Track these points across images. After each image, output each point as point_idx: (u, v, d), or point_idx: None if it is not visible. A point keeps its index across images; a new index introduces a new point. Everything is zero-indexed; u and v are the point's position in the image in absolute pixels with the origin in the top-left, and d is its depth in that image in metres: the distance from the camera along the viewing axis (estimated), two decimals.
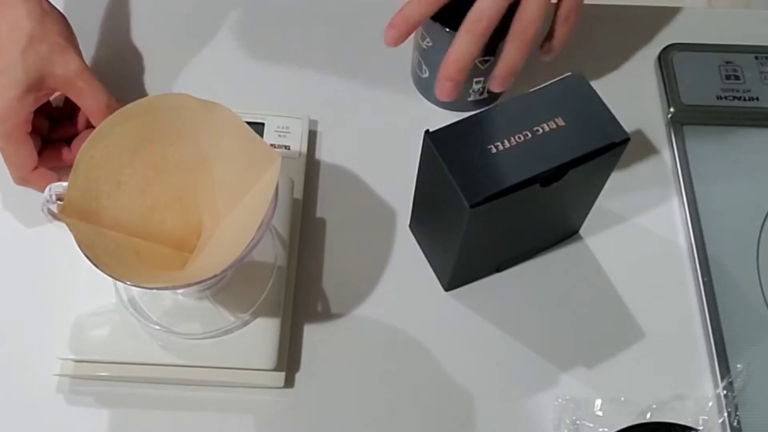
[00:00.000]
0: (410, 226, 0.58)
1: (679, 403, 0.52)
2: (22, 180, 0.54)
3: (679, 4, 0.70)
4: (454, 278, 0.55)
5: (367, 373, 0.53)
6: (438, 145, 0.46)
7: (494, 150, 0.45)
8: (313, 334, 0.54)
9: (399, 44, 0.53)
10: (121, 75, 0.63)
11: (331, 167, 0.60)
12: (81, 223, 0.43)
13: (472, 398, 0.52)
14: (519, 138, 0.45)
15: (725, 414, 0.51)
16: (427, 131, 0.46)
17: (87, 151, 0.44)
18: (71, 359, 0.50)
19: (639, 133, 0.63)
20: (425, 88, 0.62)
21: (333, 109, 0.63)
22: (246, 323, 0.51)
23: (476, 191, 0.44)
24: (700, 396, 0.52)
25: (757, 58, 0.64)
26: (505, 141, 0.45)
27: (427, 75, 0.60)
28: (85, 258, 0.41)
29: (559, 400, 0.52)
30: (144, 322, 0.50)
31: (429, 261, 0.56)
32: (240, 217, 0.45)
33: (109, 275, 0.42)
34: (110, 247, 0.44)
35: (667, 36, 0.67)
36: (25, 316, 0.53)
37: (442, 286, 0.56)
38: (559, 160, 0.45)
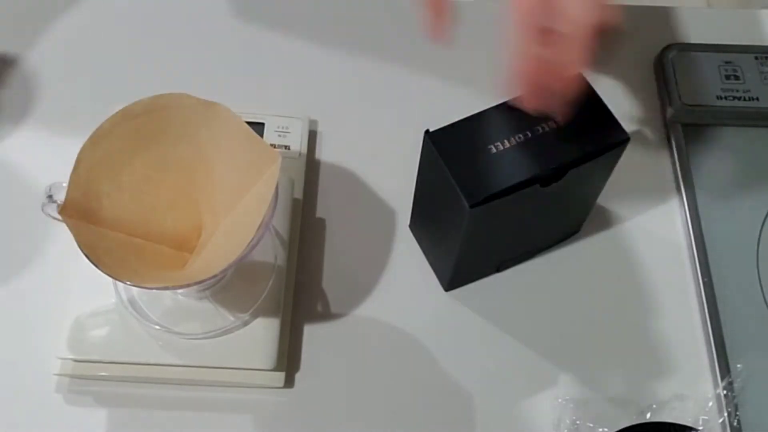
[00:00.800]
0: (410, 226, 0.58)
1: (679, 403, 0.52)
2: None
3: (679, 4, 0.70)
4: (454, 278, 0.55)
5: (367, 373, 0.53)
6: (438, 145, 0.46)
7: (494, 150, 0.45)
8: (313, 334, 0.54)
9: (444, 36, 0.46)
10: (121, 75, 0.63)
11: (331, 167, 0.60)
12: (81, 223, 0.43)
13: (472, 398, 0.52)
14: (519, 138, 0.45)
15: (725, 414, 0.51)
16: (427, 131, 0.46)
17: (87, 151, 0.44)
18: (71, 359, 0.50)
19: (639, 133, 0.63)
20: None
21: (333, 109, 0.63)
22: (246, 323, 0.51)
23: (476, 191, 0.44)
24: (700, 396, 0.52)
25: (757, 58, 0.64)
26: (505, 141, 0.45)
27: None
28: (85, 258, 0.41)
29: (559, 400, 0.52)
30: (144, 322, 0.50)
31: (429, 261, 0.56)
32: (240, 217, 0.45)
33: (109, 275, 0.42)
34: (110, 247, 0.44)
35: (667, 36, 0.67)
36: (25, 316, 0.53)
37: (442, 286, 0.56)
38: (559, 160, 0.45)
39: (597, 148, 0.46)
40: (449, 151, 0.45)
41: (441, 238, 0.53)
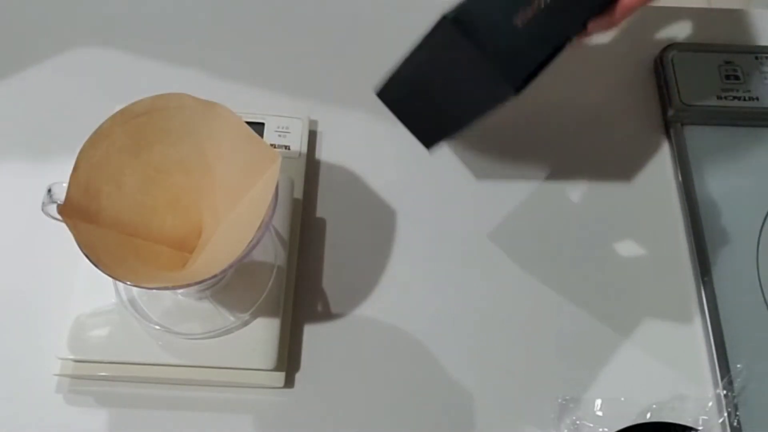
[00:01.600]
0: (380, 94, 0.54)
1: (679, 403, 0.52)
2: None
3: (679, 4, 0.70)
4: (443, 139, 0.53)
5: (367, 373, 0.53)
6: (465, 32, 0.43)
7: (520, 24, 0.43)
8: (313, 334, 0.54)
9: None
10: (122, 75, 0.63)
11: (331, 167, 0.60)
12: (81, 223, 0.43)
13: (472, 398, 0.52)
14: (540, 2, 0.44)
15: (725, 414, 0.51)
16: (444, 16, 0.43)
17: (87, 151, 0.44)
18: (71, 359, 0.50)
19: (639, 133, 0.63)
20: None
21: (333, 109, 0.63)
22: (246, 323, 0.51)
23: (516, 73, 0.43)
24: (700, 396, 0.52)
25: (757, 58, 0.64)
26: (528, 8, 0.44)
27: None
28: (85, 258, 0.41)
29: (559, 400, 0.52)
30: (144, 322, 0.50)
31: (405, 123, 0.53)
32: (240, 217, 0.45)
33: (109, 275, 0.42)
34: (110, 247, 0.44)
35: (666, 36, 0.67)
36: (25, 316, 0.53)
37: (425, 146, 0.53)
38: (583, 16, 0.45)
39: None
40: (479, 38, 0.43)
41: (442, 112, 0.51)
